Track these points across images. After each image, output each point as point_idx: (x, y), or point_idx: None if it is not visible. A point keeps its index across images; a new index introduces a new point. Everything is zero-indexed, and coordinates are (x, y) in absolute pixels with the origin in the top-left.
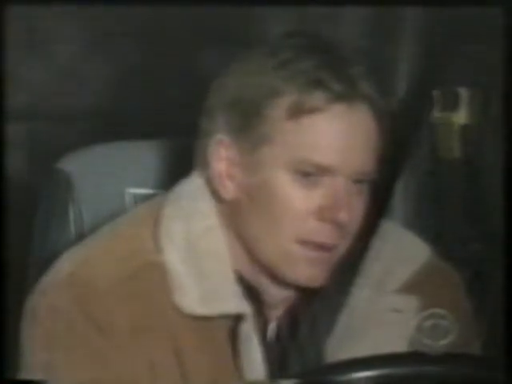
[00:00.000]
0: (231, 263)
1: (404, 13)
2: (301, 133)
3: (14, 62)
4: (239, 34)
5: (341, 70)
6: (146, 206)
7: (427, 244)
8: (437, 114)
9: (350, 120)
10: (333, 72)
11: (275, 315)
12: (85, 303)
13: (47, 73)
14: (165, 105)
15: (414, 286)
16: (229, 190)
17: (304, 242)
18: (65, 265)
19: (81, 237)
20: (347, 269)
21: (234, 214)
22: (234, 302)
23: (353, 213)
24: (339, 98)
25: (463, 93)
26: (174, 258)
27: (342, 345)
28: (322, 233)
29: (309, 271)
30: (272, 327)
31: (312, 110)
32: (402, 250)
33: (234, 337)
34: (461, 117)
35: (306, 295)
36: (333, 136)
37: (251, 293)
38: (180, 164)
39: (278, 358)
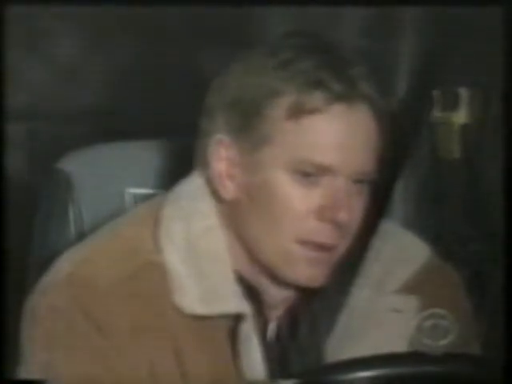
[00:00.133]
0: (231, 263)
1: (404, 13)
2: (301, 133)
3: (14, 62)
4: (239, 34)
5: (341, 70)
6: (146, 206)
7: (427, 244)
8: (437, 113)
9: (349, 120)
10: (333, 72)
11: (275, 315)
12: (84, 303)
13: (47, 73)
14: (165, 105)
15: (414, 286)
16: (229, 190)
17: (304, 242)
18: (65, 265)
19: (81, 237)
20: (347, 269)
21: (233, 214)
22: (234, 302)
23: (353, 213)
24: (339, 98)
25: (463, 93)
26: (173, 257)
27: (341, 345)
28: (322, 233)
29: (309, 271)
30: (272, 327)
31: (312, 110)
32: (401, 250)
33: (233, 337)
34: (461, 117)
35: (306, 295)
36: (333, 136)
37: (251, 293)
38: (180, 164)
39: (278, 357)
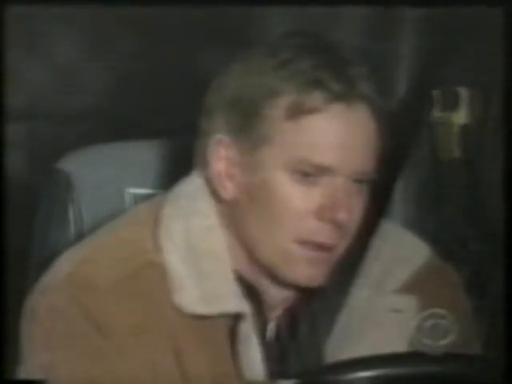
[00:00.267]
0: (231, 263)
1: (404, 13)
2: (300, 133)
3: (14, 62)
4: (239, 34)
5: (340, 69)
6: (146, 206)
7: (427, 244)
8: (437, 113)
9: (348, 120)
10: (332, 72)
11: (275, 315)
12: (84, 303)
13: (47, 73)
14: (165, 105)
15: (414, 286)
16: (228, 189)
17: (303, 242)
18: (64, 264)
19: (80, 237)
20: (347, 269)
21: (233, 214)
22: (234, 302)
23: (352, 213)
24: (338, 97)
25: (463, 93)
26: (173, 257)
27: (341, 345)
28: (322, 233)
29: (308, 271)
30: (271, 327)
31: (311, 110)
32: (401, 250)
33: (233, 336)
34: (461, 117)
35: (306, 295)
36: (332, 136)
37: (251, 292)
38: (180, 164)
39: (278, 357)
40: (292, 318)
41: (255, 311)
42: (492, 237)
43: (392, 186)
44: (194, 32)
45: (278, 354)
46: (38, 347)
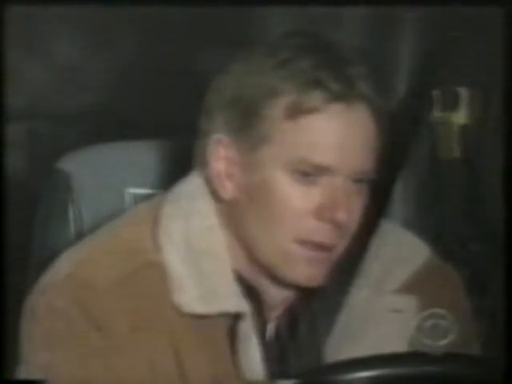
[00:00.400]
0: (230, 263)
1: (404, 13)
2: (299, 132)
3: (14, 62)
4: (239, 34)
5: (339, 69)
6: (145, 206)
7: (427, 244)
8: (437, 113)
9: (348, 120)
10: (331, 72)
11: (274, 315)
12: (84, 303)
13: (47, 73)
14: (165, 105)
15: (414, 286)
16: (228, 189)
17: (303, 242)
18: (64, 264)
19: (80, 237)
20: (346, 269)
21: (233, 214)
22: (233, 301)
23: (352, 212)
24: (337, 97)
25: (463, 93)
26: (173, 257)
27: (341, 345)
28: (321, 232)
29: (308, 271)
30: (271, 327)
31: (310, 110)
32: (401, 250)
33: (232, 336)
34: (461, 117)
35: (306, 295)
36: (331, 136)
37: (250, 292)
38: (180, 164)
39: (277, 357)
40: (292, 317)
41: (255, 311)
42: (492, 237)
43: (392, 185)
44: (194, 32)
45: (277, 354)
46: (38, 347)
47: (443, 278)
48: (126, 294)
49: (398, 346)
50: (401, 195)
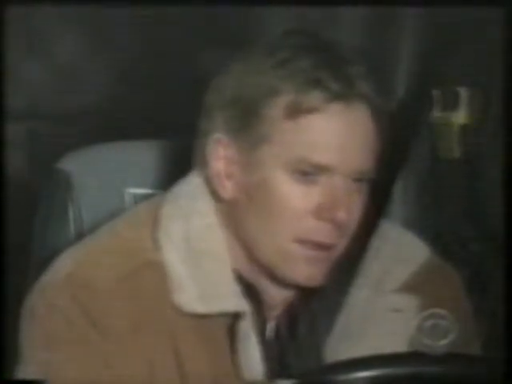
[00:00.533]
0: (230, 262)
1: (404, 13)
2: (299, 132)
3: (14, 62)
4: (239, 34)
5: (339, 69)
6: (145, 206)
7: (427, 244)
8: (437, 113)
9: (347, 119)
10: (331, 71)
11: (274, 315)
12: (84, 302)
13: (47, 73)
14: (165, 105)
15: (414, 286)
16: (227, 189)
17: (302, 242)
18: (64, 264)
19: (80, 236)
20: (346, 268)
21: (232, 213)
22: (233, 301)
23: (351, 212)
24: (337, 97)
25: (463, 93)
26: (172, 257)
27: (341, 345)
28: (321, 232)
29: (307, 270)
30: (271, 326)
31: (310, 110)
32: (401, 250)
33: (232, 335)
34: (461, 117)
35: (305, 295)
36: (331, 135)
37: (250, 292)
38: (179, 164)
39: (277, 357)
40: (291, 317)
41: (255, 310)
42: (492, 237)
43: (392, 185)
44: (194, 32)
45: (277, 354)
46: (38, 347)
47: (443, 277)
48: (126, 294)
49: (398, 346)
50: (401, 195)
